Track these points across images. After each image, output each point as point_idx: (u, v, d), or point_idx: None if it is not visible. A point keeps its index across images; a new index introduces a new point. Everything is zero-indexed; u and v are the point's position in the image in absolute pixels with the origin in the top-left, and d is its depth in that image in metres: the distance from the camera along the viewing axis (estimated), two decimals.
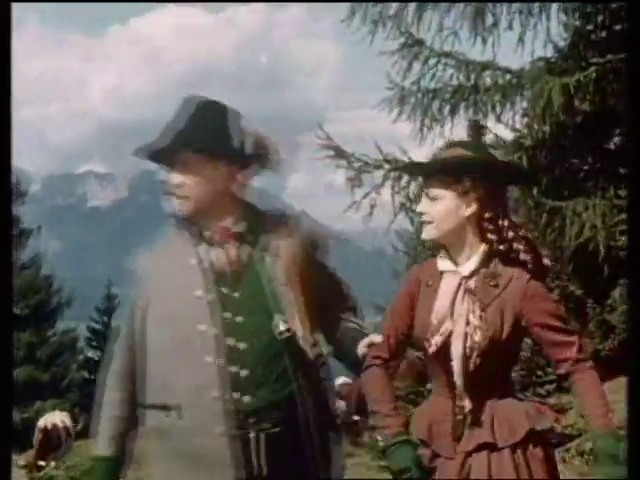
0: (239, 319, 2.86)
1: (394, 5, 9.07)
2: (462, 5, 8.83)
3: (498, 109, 8.76)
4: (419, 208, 2.85)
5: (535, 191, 8.29)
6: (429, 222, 2.81)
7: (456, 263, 2.81)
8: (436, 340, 2.76)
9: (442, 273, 2.82)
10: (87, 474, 3.04)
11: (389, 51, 9.16)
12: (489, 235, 2.77)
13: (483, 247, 2.78)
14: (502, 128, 8.97)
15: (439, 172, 2.80)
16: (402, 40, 9.13)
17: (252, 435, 2.80)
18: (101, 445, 3.00)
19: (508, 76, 8.85)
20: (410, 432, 2.79)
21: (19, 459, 11.83)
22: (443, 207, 2.77)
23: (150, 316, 2.93)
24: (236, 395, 2.80)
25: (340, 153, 9.16)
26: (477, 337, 2.71)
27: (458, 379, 2.74)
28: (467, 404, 2.74)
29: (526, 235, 2.83)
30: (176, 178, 2.92)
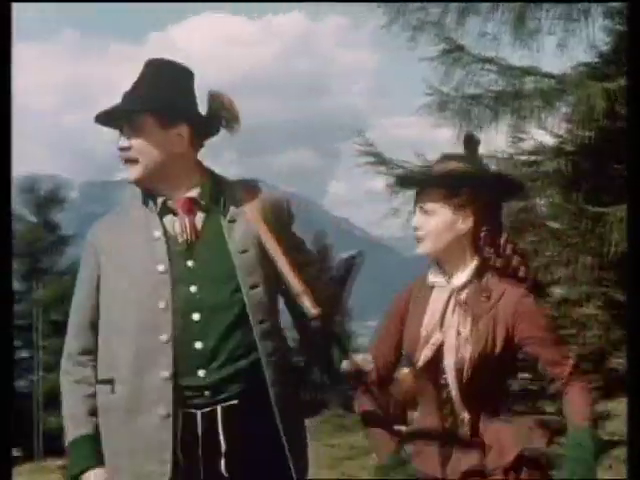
0: (195, 289, 2.77)
1: (435, 11, 9.05)
2: (503, 10, 8.79)
3: (540, 114, 8.71)
4: (413, 222, 2.79)
5: (577, 197, 8.22)
6: (424, 237, 2.76)
7: (448, 277, 2.77)
8: (425, 353, 2.72)
9: (433, 287, 2.79)
10: (70, 455, 2.86)
11: (429, 57, 9.14)
12: (486, 250, 2.74)
13: (476, 261, 2.74)
14: (543, 134, 8.92)
15: (435, 185, 2.75)
16: (443, 46, 9.10)
17: (208, 409, 2.72)
18: (82, 424, 2.88)
19: (550, 81, 8.79)
20: (405, 451, 2.76)
21: (57, 461, 12.03)
22: (439, 222, 2.72)
23: (105, 287, 2.85)
24: (190, 368, 2.72)
25: (380, 159, 9.14)
26: (468, 349, 2.66)
27: (454, 390, 2.70)
28: (466, 415, 2.71)
29: (521, 250, 2.80)
30: (129, 142, 2.82)
